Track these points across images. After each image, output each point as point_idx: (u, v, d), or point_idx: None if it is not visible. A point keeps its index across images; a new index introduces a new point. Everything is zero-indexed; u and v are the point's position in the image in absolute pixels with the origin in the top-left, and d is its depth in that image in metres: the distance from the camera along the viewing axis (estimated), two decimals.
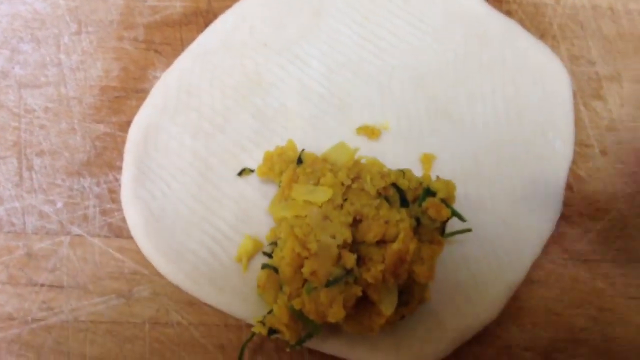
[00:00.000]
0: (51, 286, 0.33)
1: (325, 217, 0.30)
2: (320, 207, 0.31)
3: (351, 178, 0.31)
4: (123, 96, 0.37)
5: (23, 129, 0.36)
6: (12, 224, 0.34)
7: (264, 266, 0.32)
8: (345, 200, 0.31)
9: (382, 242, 0.30)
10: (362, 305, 0.30)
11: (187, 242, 0.33)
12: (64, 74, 0.38)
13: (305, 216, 0.30)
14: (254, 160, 0.35)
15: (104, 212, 0.35)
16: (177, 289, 0.34)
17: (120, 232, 0.35)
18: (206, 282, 0.32)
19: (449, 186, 0.32)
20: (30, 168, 0.35)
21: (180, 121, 0.35)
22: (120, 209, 0.35)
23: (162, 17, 0.40)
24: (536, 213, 0.36)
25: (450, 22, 0.40)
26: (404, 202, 0.31)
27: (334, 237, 0.29)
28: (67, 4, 0.39)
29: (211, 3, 0.40)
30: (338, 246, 0.29)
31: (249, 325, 0.33)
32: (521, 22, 0.40)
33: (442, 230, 0.33)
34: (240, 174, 0.35)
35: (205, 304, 0.33)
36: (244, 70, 0.37)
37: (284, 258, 0.30)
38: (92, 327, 0.33)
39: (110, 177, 0.36)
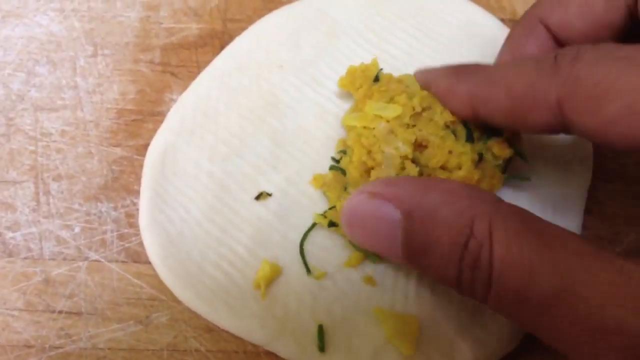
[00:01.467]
0: (69, 313, 0.33)
1: (391, 132, 0.31)
2: (388, 122, 0.32)
3: (422, 107, 0.32)
4: (140, 119, 0.37)
5: (40, 152, 0.36)
6: (30, 250, 0.34)
7: (332, 167, 0.34)
8: (413, 126, 0.32)
9: (445, 169, 0.31)
10: None
11: (204, 266, 0.33)
12: (80, 97, 0.37)
13: (374, 128, 0.32)
14: (270, 184, 0.34)
15: (121, 237, 0.35)
16: (195, 315, 0.33)
17: (138, 257, 0.34)
18: (224, 308, 0.32)
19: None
20: (47, 193, 0.35)
21: (196, 144, 0.35)
22: (137, 234, 0.35)
23: (178, 39, 0.40)
24: None
25: (466, 42, 0.40)
26: (470, 139, 0.32)
27: (397, 149, 0.31)
28: (82, 26, 0.39)
29: (227, 25, 0.40)
30: (401, 157, 0.31)
31: (268, 352, 0.33)
32: None
33: (504, 168, 0.33)
34: (257, 198, 0.35)
35: (224, 330, 0.33)
36: (260, 92, 0.37)
37: (352, 162, 0.32)
38: (111, 354, 0.33)
39: (128, 202, 0.35)
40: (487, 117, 0.29)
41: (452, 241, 0.25)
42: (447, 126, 0.32)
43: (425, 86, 0.32)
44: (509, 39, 0.33)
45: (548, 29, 0.31)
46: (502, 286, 0.24)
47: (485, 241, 0.24)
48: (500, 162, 0.33)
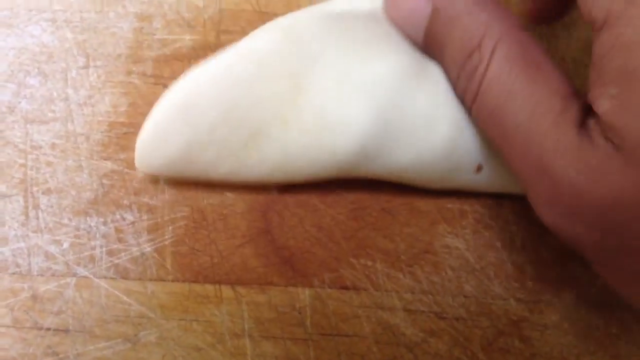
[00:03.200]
0: (57, 330, 0.33)
1: None
2: None
3: None
4: (131, 132, 0.37)
5: (29, 166, 0.36)
6: (18, 265, 0.34)
7: None
8: None
9: None
10: None
11: None
12: (71, 109, 0.37)
13: None
14: None
15: (110, 253, 0.34)
16: (183, 333, 0.33)
17: (127, 273, 0.34)
18: None
19: None
20: (36, 207, 0.35)
21: None
22: (127, 249, 0.34)
23: (171, 50, 0.39)
24: None
25: None
26: None
27: None
28: (75, 37, 0.39)
29: (220, 37, 0.40)
30: None
31: None
32: None
33: None
34: None
35: (212, 350, 0.33)
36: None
37: None
38: None
39: (118, 216, 0.35)
40: None
41: (461, 47, 0.28)
42: None
43: None
44: None
45: None
46: (483, 101, 0.28)
47: (486, 57, 0.27)
48: None
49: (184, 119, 0.32)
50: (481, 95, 0.28)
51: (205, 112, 0.32)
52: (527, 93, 0.26)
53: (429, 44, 0.31)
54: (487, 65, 0.27)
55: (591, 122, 0.25)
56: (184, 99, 0.32)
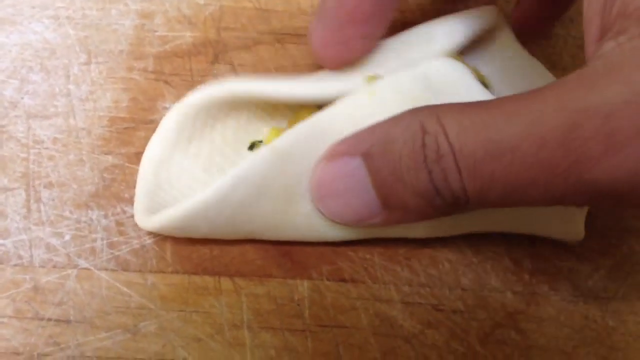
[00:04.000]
0: (58, 320, 0.33)
1: None
2: None
3: None
4: (132, 127, 0.37)
5: (32, 160, 0.36)
6: (20, 257, 0.34)
7: None
8: None
9: None
10: None
11: None
12: (73, 104, 0.38)
13: None
14: None
15: (111, 245, 0.35)
16: (183, 324, 0.33)
17: (127, 265, 0.34)
18: None
19: None
20: (38, 200, 0.35)
21: (192, 153, 0.35)
22: (127, 242, 0.35)
23: (172, 47, 0.40)
24: None
25: None
26: None
27: None
28: (77, 33, 0.39)
29: (221, 33, 0.40)
30: None
31: None
32: None
33: None
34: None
35: (212, 340, 0.33)
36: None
37: None
38: None
39: (118, 209, 0.35)
40: None
41: (412, 148, 0.26)
42: None
43: None
44: None
45: None
46: (467, 158, 0.25)
47: (439, 129, 0.25)
48: None
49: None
50: (461, 157, 0.25)
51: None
52: (497, 117, 0.25)
53: (385, 193, 0.29)
54: (445, 132, 0.25)
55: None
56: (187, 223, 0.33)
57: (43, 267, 0.34)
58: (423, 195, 0.27)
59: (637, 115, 0.22)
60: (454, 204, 0.27)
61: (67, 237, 0.35)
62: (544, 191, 0.24)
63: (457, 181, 0.26)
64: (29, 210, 0.35)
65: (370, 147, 0.28)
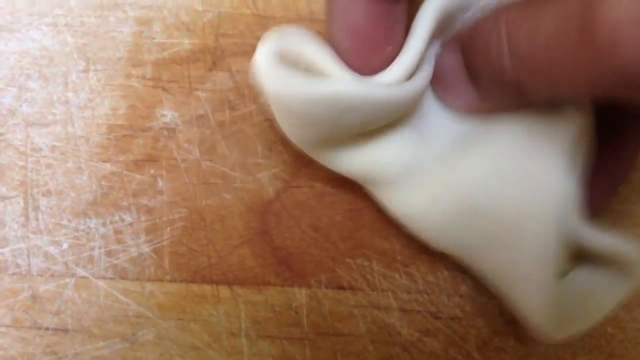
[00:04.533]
0: (56, 329, 0.33)
1: None
2: None
3: None
4: (130, 135, 0.37)
5: (30, 168, 0.36)
6: (18, 266, 0.34)
7: None
8: None
9: None
10: None
11: None
12: (71, 112, 0.38)
13: None
14: None
15: (109, 253, 0.35)
16: (181, 333, 0.33)
17: (125, 273, 0.34)
18: None
19: None
20: (36, 208, 0.35)
21: None
22: (125, 250, 0.35)
23: (170, 54, 0.40)
24: None
25: None
26: None
27: None
28: (75, 41, 0.39)
29: (219, 40, 0.40)
30: None
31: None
32: None
33: None
34: None
35: (210, 349, 0.33)
36: None
37: None
38: None
39: (117, 217, 0.35)
40: None
41: (484, 44, 0.28)
42: None
43: None
44: None
45: None
46: (514, 39, 0.26)
47: (498, 23, 0.27)
48: None
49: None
50: (509, 42, 0.27)
51: None
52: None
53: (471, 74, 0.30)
54: (500, 22, 0.27)
55: None
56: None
57: (41, 275, 0.34)
58: (491, 70, 0.29)
59: None
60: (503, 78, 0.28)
61: (65, 246, 0.35)
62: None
63: (505, 61, 0.27)
64: (27, 218, 0.35)
65: (463, 42, 0.30)
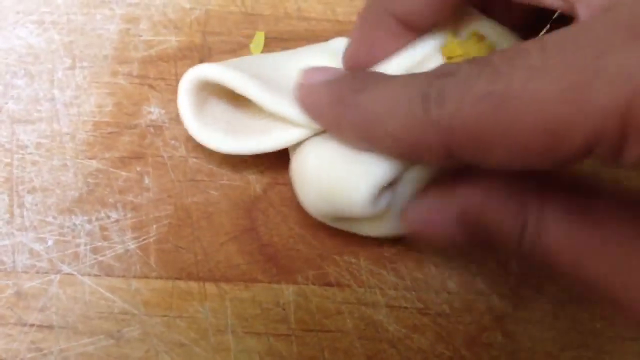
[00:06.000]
0: (40, 326, 0.33)
1: None
2: None
3: None
4: (116, 132, 0.37)
5: (15, 165, 0.36)
6: (2, 263, 0.34)
7: None
8: None
9: None
10: None
11: None
12: (57, 109, 0.37)
13: None
14: None
15: (95, 250, 0.34)
16: (167, 329, 0.33)
17: (111, 270, 0.34)
18: None
19: None
20: (21, 205, 0.35)
21: None
22: (111, 247, 0.35)
23: (157, 51, 0.39)
24: None
25: None
26: None
27: None
28: (61, 38, 0.39)
29: (206, 38, 0.40)
30: None
31: None
32: None
33: None
34: None
35: (196, 346, 0.33)
36: None
37: None
38: None
39: (102, 215, 0.35)
40: None
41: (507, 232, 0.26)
42: None
43: None
44: (357, 32, 0.32)
45: (396, 18, 0.30)
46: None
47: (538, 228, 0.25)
48: None
49: None
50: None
51: None
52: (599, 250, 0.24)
53: None
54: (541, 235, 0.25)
55: None
56: None
57: (26, 272, 0.34)
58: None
59: None
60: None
61: (50, 243, 0.34)
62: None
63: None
64: (12, 215, 0.35)
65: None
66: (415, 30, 0.31)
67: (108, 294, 0.34)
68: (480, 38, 0.32)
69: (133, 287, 0.34)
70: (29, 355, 0.32)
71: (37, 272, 0.34)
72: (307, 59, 0.35)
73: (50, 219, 0.35)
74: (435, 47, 0.32)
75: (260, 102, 0.32)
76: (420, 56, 0.32)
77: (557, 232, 0.25)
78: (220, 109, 0.35)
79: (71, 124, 0.37)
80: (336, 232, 0.35)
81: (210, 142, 0.34)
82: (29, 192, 0.36)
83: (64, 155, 0.37)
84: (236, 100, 0.35)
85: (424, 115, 0.24)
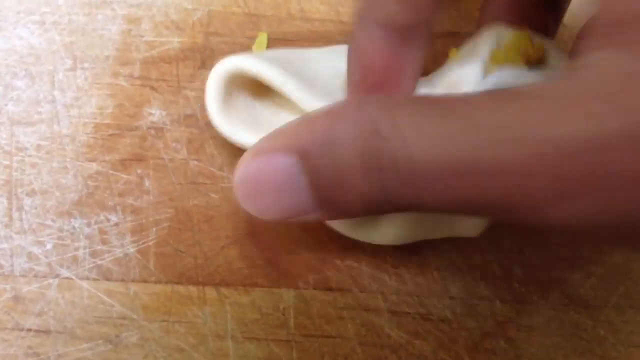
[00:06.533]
0: (38, 331, 0.33)
1: None
2: None
3: None
4: (117, 134, 0.37)
5: (15, 167, 0.36)
6: (0, 266, 0.34)
7: None
8: None
9: None
10: None
11: None
12: (57, 111, 0.37)
13: None
14: None
15: (93, 254, 0.34)
16: (165, 335, 0.33)
17: (110, 274, 0.34)
18: None
19: None
20: (20, 208, 0.35)
21: None
22: (110, 251, 0.34)
23: (159, 52, 0.39)
24: None
25: None
26: None
27: None
28: (62, 39, 0.39)
29: (209, 39, 0.40)
30: None
31: None
32: None
33: None
34: None
35: (194, 351, 0.33)
36: None
37: None
38: None
39: (102, 218, 0.35)
40: None
41: (361, 152, 0.22)
42: None
43: None
44: (353, 58, 0.30)
45: (387, 28, 0.28)
46: (427, 169, 0.21)
47: (395, 134, 0.22)
48: None
49: None
50: (422, 170, 0.22)
51: None
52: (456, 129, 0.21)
53: (323, 195, 0.25)
54: (404, 141, 0.21)
55: None
56: None
57: (24, 276, 0.34)
58: (371, 202, 0.24)
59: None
60: (405, 209, 0.24)
61: (49, 246, 0.34)
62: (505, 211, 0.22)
63: (413, 195, 0.22)
64: (10, 218, 0.35)
65: (308, 144, 0.24)
66: (413, 36, 0.30)
67: (106, 299, 0.33)
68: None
69: (132, 292, 0.34)
70: None
71: (36, 276, 0.34)
72: (340, 61, 0.33)
73: (49, 222, 0.35)
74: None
75: (298, 101, 0.32)
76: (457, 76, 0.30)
77: (415, 132, 0.22)
78: (243, 103, 0.35)
79: (71, 126, 0.37)
80: (338, 237, 0.35)
81: (235, 137, 0.33)
82: (28, 194, 0.35)
83: (64, 157, 0.36)
84: (257, 94, 0.35)
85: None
